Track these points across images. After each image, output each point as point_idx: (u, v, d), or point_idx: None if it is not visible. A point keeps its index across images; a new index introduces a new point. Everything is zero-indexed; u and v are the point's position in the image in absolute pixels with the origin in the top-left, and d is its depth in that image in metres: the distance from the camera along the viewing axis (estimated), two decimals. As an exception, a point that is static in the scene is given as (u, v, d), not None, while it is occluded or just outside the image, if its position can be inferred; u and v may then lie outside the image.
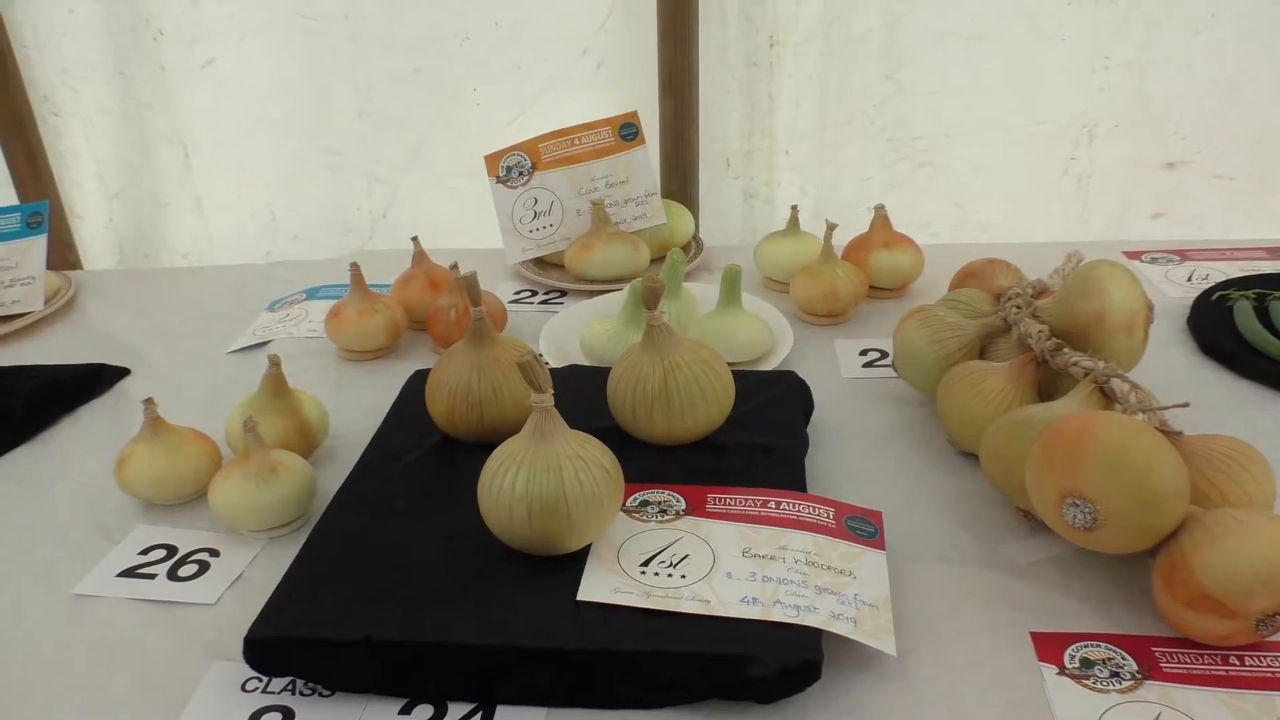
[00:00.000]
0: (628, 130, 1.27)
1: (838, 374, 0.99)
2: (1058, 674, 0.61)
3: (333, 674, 0.62)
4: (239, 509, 0.75)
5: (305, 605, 0.64)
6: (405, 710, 0.61)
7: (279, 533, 0.78)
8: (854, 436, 0.88)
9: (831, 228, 1.08)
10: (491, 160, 1.26)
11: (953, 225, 1.56)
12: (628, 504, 0.72)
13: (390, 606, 0.63)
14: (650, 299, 0.76)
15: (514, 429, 0.68)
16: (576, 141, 1.27)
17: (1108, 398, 0.71)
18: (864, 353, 1.02)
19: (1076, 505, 0.62)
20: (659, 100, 1.42)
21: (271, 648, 0.62)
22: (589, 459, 0.66)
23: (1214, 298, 1.06)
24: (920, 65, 1.47)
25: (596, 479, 0.65)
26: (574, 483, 0.64)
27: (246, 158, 1.62)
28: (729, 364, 0.82)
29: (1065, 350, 0.77)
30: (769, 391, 0.86)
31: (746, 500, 0.72)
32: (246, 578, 0.74)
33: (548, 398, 0.66)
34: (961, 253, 1.09)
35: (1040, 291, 0.88)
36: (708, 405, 0.78)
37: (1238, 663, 0.61)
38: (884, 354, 1.01)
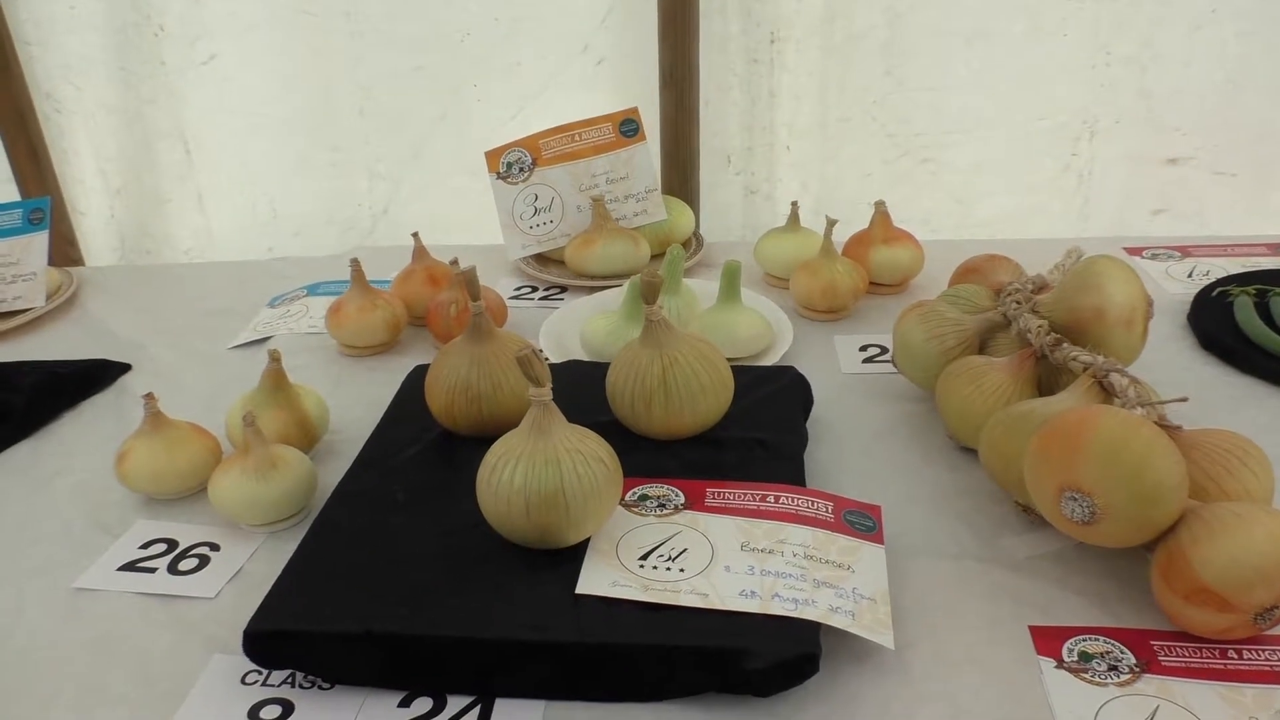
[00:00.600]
0: (628, 126, 1.27)
1: (837, 369, 0.99)
2: (1056, 667, 0.61)
3: (332, 667, 0.62)
4: (239, 503, 0.76)
5: (305, 599, 0.64)
6: (404, 703, 0.61)
7: (279, 527, 0.78)
8: (853, 432, 0.88)
9: (832, 224, 1.08)
10: (492, 156, 1.26)
11: (953, 221, 1.56)
12: (626, 498, 0.72)
13: (389, 600, 0.63)
14: (649, 294, 0.76)
15: (513, 423, 0.68)
16: (577, 137, 1.27)
17: (1107, 392, 0.71)
18: (863, 348, 1.03)
19: (1075, 499, 0.62)
20: (659, 96, 1.43)
21: (271, 641, 0.62)
22: (587, 453, 0.66)
23: (1214, 293, 1.06)
24: (921, 61, 1.47)
25: (595, 473, 0.65)
26: (572, 476, 0.64)
27: (248, 154, 1.62)
28: (728, 359, 0.82)
29: (1064, 345, 0.77)
30: (768, 386, 0.86)
31: (745, 494, 0.72)
32: (246, 572, 0.74)
33: (546, 392, 0.66)
34: (962, 248, 1.09)
35: (1040, 287, 0.88)
36: (706, 400, 0.78)
37: (1236, 656, 0.61)
38: (883, 349, 1.01)
